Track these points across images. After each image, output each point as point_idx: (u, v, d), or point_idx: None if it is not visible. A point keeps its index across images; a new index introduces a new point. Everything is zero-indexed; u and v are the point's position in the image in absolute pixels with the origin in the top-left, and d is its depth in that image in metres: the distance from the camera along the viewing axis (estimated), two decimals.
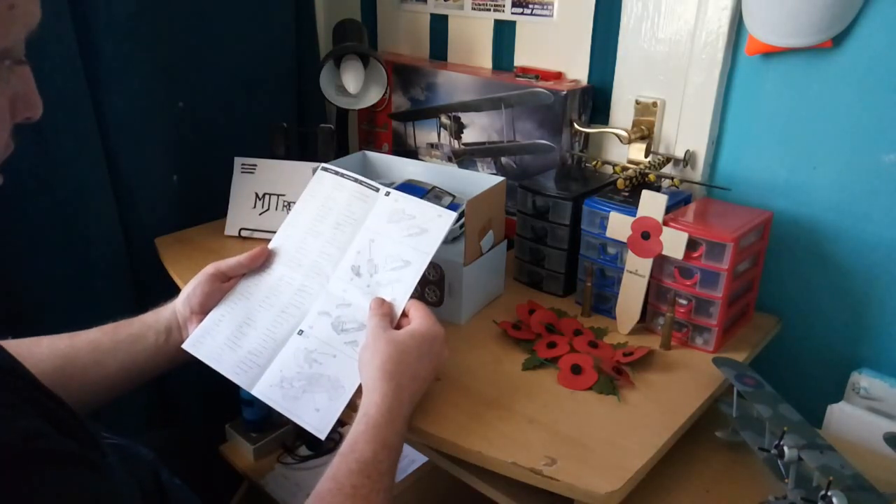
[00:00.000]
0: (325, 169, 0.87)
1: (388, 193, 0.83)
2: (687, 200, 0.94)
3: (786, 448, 0.66)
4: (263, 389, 0.75)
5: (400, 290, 0.77)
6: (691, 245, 0.82)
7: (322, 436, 0.71)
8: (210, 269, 0.80)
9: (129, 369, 0.76)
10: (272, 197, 1.15)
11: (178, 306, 0.80)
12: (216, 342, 0.78)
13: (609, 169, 1.04)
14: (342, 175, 0.86)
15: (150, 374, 0.78)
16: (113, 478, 0.50)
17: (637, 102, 1.02)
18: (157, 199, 1.18)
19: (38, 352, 0.72)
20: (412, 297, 0.76)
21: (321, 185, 0.87)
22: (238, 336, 0.79)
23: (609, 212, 0.87)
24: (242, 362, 0.77)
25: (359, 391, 0.71)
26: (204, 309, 0.79)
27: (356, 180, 0.85)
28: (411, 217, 0.81)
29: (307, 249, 0.83)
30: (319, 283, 0.81)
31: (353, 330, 0.76)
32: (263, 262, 0.83)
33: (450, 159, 1.23)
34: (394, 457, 0.63)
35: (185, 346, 0.78)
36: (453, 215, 0.80)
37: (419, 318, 0.73)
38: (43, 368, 0.70)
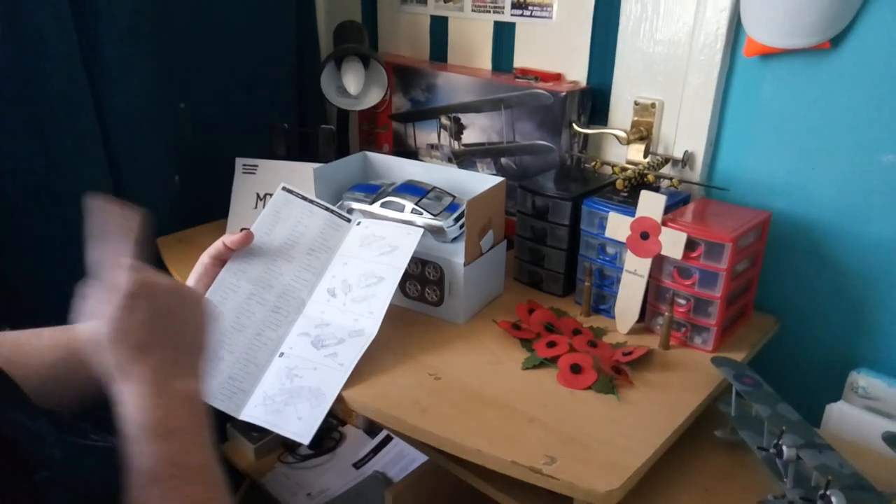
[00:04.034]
0: (289, 191, 0.88)
1: (359, 223, 0.88)
2: (685, 201, 0.95)
3: (784, 447, 0.67)
4: (249, 411, 0.76)
5: (376, 304, 0.81)
6: (690, 245, 0.82)
7: (305, 441, 0.73)
8: (205, 258, 0.80)
9: None
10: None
11: None
12: None
13: (608, 169, 1.04)
14: (312, 202, 0.88)
15: None
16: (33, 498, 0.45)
17: (636, 103, 1.03)
18: (159, 200, 1.19)
19: (38, 344, 0.71)
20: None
21: (288, 209, 0.87)
22: (215, 361, 0.77)
23: (608, 212, 0.88)
24: (225, 389, 0.77)
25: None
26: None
27: (327, 209, 0.88)
28: (381, 238, 0.86)
29: (279, 272, 0.83)
30: (295, 307, 0.83)
31: (332, 344, 0.79)
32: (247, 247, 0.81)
33: (450, 160, 1.24)
34: (180, 437, 0.51)
35: None
36: (421, 231, 0.86)
37: None
38: (43, 360, 0.69)
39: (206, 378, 0.57)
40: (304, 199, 0.88)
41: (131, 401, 0.51)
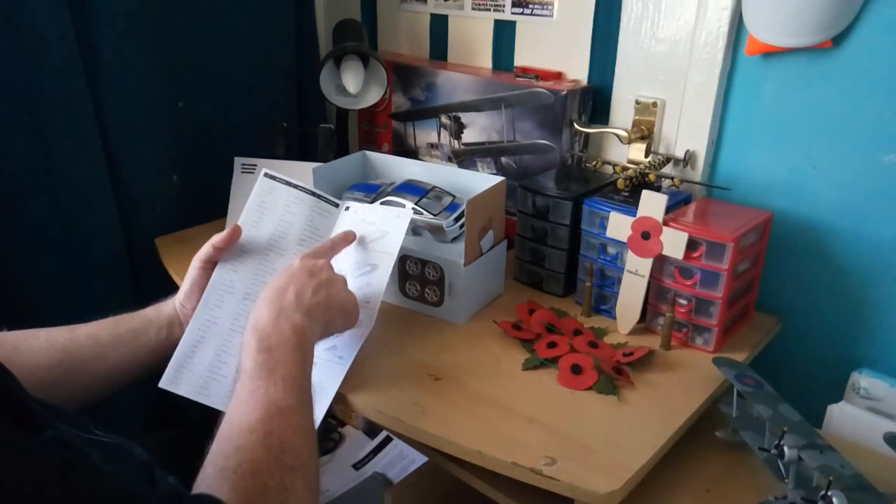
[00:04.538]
0: (271, 177, 0.84)
1: (347, 208, 0.86)
2: (687, 200, 0.94)
3: (786, 448, 0.66)
4: None
5: (372, 294, 0.79)
6: (691, 245, 0.82)
7: None
8: (197, 262, 0.79)
9: (129, 364, 0.75)
10: None
11: (178, 302, 0.79)
12: (196, 375, 0.76)
13: (609, 169, 1.04)
14: (297, 187, 0.85)
15: (149, 370, 0.77)
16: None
17: (637, 102, 1.02)
18: (157, 199, 1.18)
19: (36, 344, 0.71)
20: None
21: (273, 197, 0.84)
22: (218, 366, 0.76)
23: (609, 212, 0.87)
24: (228, 391, 0.75)
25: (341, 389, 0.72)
26: None
27: (313, 193, 0.85)
28: (372, 224, 0.84)
29: (272, 267, 0.81)
30: None
31: (330, 337, 0.77)
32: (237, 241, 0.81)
33: (450, 159, 1.23)
34: (278, 353, 0.63)
35: (161, 384, 0.75)
36: (410, 213, 0.84)
37: None
38: (41, 361, 0.69)
39: (325, 329, 0.72)
40: (289, 184, 0.84)
41: (256, 316, 0.66)
